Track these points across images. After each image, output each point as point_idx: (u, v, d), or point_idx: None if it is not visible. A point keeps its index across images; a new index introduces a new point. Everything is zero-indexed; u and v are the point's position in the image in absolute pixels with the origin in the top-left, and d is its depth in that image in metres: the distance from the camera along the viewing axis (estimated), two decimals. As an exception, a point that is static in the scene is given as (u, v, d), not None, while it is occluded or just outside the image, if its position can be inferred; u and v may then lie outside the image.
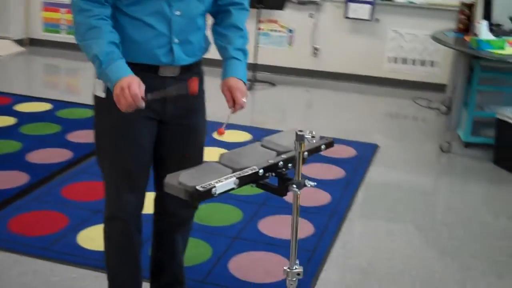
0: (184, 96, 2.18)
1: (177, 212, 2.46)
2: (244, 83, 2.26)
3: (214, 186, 1.78)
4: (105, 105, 2.21)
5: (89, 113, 5.30)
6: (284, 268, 2.06)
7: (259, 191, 2.11)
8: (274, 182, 1.97)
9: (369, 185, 4.23)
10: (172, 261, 2.57)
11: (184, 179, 1.83)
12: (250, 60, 2.35)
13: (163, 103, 2.22)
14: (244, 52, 2.30)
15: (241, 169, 1.90)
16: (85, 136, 4.79)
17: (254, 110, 5.92)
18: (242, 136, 5.03)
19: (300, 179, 1.93)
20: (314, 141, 1.89)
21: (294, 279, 2.04)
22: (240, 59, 2.27)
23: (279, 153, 2.02)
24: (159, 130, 2.30)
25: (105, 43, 2.03)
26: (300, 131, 1.90)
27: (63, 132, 4.93)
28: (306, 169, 4.38)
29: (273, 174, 1.95)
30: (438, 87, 6.54)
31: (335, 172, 4.40)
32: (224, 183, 1.80)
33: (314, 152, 2.04)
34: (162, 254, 2.56)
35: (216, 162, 1.98)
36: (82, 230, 3.40)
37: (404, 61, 6.79)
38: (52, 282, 2.94)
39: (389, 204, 3.98)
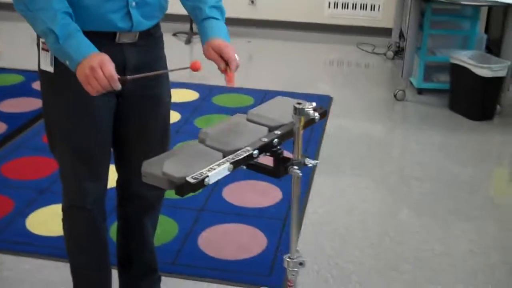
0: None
1: (146, 194, 2.20)
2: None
3: (207, 176, 1.53)
4: (54, 80, 1.92)
5: (21, 78, 4.91)
6: (284, 257, 1.84)
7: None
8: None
9: (329, 140, 4.05)
10: (143, 248, 2.32)
11: (169, 168, 1.57)
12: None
13: (122, 73, 1.92)
14: (221, 9, 2.03)
15: (232, 152, 1.65)
16: (19, 105, 4.39)
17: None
18: (190, 95, 4.73)
19: (300, 157, 1.70)
20: (316, 114, 1.65)
21: (296, 269, 1.82)
22: (218, 18, 1.99)
23: (271, 129, 1.77)
24: (118, 104, 2.01)
25: (58, 14, 1.71)
26: (299, 103, 1.66)
27: (-8, 102, 4.50)
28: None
29: (267, 153, 1.71)
30: (382, 32, 6.38)
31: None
32: (217, 171, 1.55)
33: (308, 125, 1.80)
34: (131, 241, 2.30)
35: (201, 143, 1.72)
36: (30, 213, 3.09)
37: (345, 5, 6.58)
38: (4, 277, 2.64)
39: (354, 160, 3.82)
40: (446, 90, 4.73)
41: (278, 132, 1.74)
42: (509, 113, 4.59)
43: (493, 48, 5.19)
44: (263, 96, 4.69)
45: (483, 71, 4.33)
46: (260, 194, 3.29)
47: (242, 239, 2.93)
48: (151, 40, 2.01)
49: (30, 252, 2.79)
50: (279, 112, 1.84)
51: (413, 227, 3.11)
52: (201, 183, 1.51)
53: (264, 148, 1.68)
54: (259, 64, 5.83)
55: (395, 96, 4.81)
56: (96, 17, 1.82)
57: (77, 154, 1.99)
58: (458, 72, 4.52)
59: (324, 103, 4.65)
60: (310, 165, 1.70)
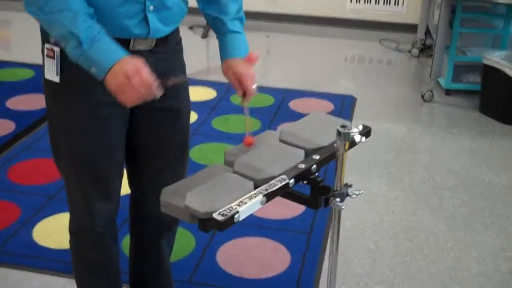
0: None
1: (162, 215, 1.99)
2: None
3: (237, 212, 1.31)
4: (59, 91, 1.71)
5: (31, 73, 4.71)
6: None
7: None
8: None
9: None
10: (159, 272, 2.12)
11: (192, 200, 1.36)
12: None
13: None
14: (242, 20, 1.84)
15: (265, 180, 1.44)
16: (28, 102, 4.19)
17: (210, 60, 5.35)
18: (207, 93, 4.51)
19: (342, 187, 1.48)
20: (363, 139, 1.43)
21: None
22: (240, 31, 1.80)
23: (308, 152, 1.56)
24: (132, 116, 1.80)
25: (80, 15, 1.50)
26: (343, 126, 1.44)
27: (1, 98, 4.29)
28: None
29: (305, 181, 1.50)
30: (406, 28, 6.12)
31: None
32: (249, 205, 1.34)
33: (350, 148, 1.58)
34: (145, 262, 2.11)
35: (227, 169, 1.51)
36: (37, 222, 2.90)
37: (368, 0, 6.32)
38: (9, 295, 2.45)
39: (381, 168, 3.59)
40: (476, 92, 4.50)
41: (316, 157, 1.52)
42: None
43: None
44: (283, 95, 4.48)
45: (518, 73, 4.09)
46: (284, 204, 3.07)
47: (264, 255, 2.73)
48: (169, 46, 1.80)
49: (36, 267, 2.60)
50: (316, 131, 1.63)
51: (447, 243, 2.89)
52: (230, 221, 1.30)
53: (302, 176, 1.47)
54: (278, 60, 5.60)
55: (422, 97, 4.57)
56: (110, 23, 1.61)
57: (86, 173, 1.79)
58: (491, 73, 4.27)
59: (347, 104, 4.43)
60: (354, 196, 1.48)
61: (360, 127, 1.44)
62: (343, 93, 4.63)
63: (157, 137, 1.87)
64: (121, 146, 1.82)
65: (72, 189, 1.84)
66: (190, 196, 1.36)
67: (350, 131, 1.41)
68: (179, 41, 1.86)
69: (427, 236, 2.94)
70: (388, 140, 3.95)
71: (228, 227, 1.32)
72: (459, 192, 3.34)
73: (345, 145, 1.43)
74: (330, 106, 4.36)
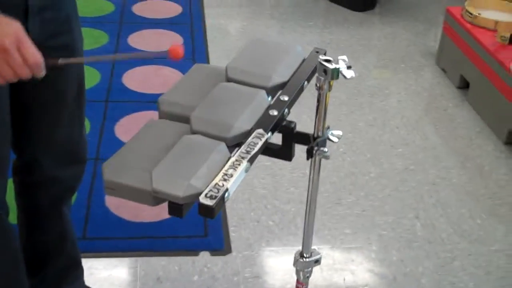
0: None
1: (62, 176, 1.62)
2: None
3: (226, 189, 1.02)
4: None
5: None
6: (295, 256, 1.40)
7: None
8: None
9: (213, 41, 3.52)
10: (64, 242, 1.76)
11: (162, 182, 1.03)
12: None
13: (24, 18, 1.29)
14: None
15: (237, 137, 1.14)
16: None
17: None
18: (103, 6, 3.86)
19: (323, 132, 1.23)
20: (352, 73, 1.17)
21: (310, 268, 1.40)
22: None
23: (268, 91, 1.27)
24: None
25: None
26: (327, 60, 1.16)
27: None
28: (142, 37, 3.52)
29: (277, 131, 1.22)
30: None
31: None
32: (236, 177, 1.05)
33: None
34: (45, 240, 1.73)
35: (175, 125, 1.19)
36: None
37: None
38: None
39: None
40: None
41: (284, 97, 1.23)
42: (389, 1, 4.32)
43: None
44: (123, 1, 3.99)
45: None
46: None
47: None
48: None
49: None
50: (267, 63, 1.33)
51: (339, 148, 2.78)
52: (221, 203, 1.01)
53: (276, 125, 1.19)
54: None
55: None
56: None
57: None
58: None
59: (195, 3, 4.06)
60: (336, 141, 1.24)
61: (345, 58, 1.17)
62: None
63: (49, 84, 1.45)
64: (7, 109, 1.39)
65: None
66: (158, 176, 1.03)
67: (338, 67, 1.14)
68: None
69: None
70: (247, 38, 3.69)
71: (218, 211, 1.02)
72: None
73: (330, 83, 1.16)
74: (178, 8, 3.97)
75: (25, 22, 1.28)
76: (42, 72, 1.13)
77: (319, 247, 2.21)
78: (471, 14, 3.17)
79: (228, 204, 2.38)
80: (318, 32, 3.83)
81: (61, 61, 1.20)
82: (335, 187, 2.55)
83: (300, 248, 1.40)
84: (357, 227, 2.36)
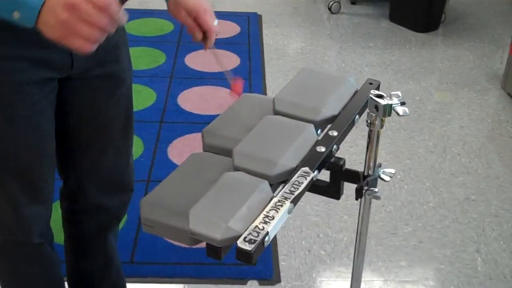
0: None
1: (108, 205, 1.60)
2: None
3: (267, 233, 0.96)
4: None
5: None
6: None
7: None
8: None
9: (269, 64, 3.49)
10: (108, 270, 1.74)
11: (199, 222, 0.98)
12: None
13: (67, 51, 1.25)
14: None
15: (281, 175, 1.08)
16: None
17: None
18: (162, 26, 3.93)
19: (374, 171, 1.16)
20: (406, 110, 1.10)
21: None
22: None
23: (316, 125, 1.21)
24: (61, 90, 1.35)
25: None
26: (379, 95, 1.09)
27: None
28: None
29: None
30: None
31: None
32: (278, 219, 0.98)
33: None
34: (90, 267, 1.71)
35: (215, 160, 1.14)
36: None
37: None
38: None
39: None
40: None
41: (333, 133, 1.17)
42: (453, 21, 4.19)
43: None
44: (183, 19, 3.99)
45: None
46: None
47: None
48: None
49: None
50: (316, 94, 1.27)
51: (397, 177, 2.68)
52: (260, 248, 0.95)
53: (324, 163, 1.12)
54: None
55: (329, 8, 4.26)
56: None
57: (12, 173, 1.34)
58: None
59: (254, 23, 4.04)
60: (388, 180, 1.16)
61: (399, 94, 1.10)
62: (245, 11, 4.22)
63: (94, 112, 1.43)
64: (51, 132, 1.37)
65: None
66: (195, 215, 0.98)
67: (391, 103, 1.07)
68: None
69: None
70: (305, 59, 3.64)
71: (257, 256, 0.96)
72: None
73: (382, 120, 1.09)
74: (236, 28, 3.96)
75: (71, 52, 1.26)
76: (122, 15, 0.98)
77: (372, 280, 2.13)
78: (540, 37, 3.03)
79: (278, 231, 2.32)
80: (378, 53, 3.74)
81: None
82: (391, 216, 2.46)
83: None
84: (413, 260, 2.26)
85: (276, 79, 3.38)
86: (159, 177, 2.47)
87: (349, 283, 1.81)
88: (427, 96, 3.32)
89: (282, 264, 2.21)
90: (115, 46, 1.39)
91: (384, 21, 4.17)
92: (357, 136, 2.78)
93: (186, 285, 2.10)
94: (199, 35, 1.38)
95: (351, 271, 2.16)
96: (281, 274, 2.16)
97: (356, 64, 3.62)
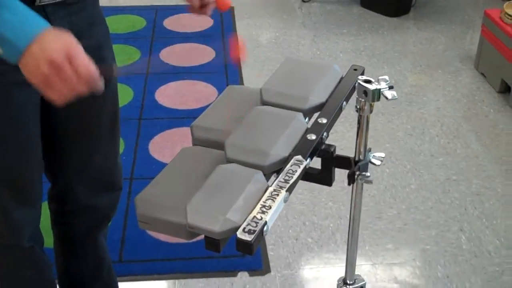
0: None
1: (98, 204, 1.59)
2: None
3: (265, 222, 0.96)
4: None
5: None
6: (338, 283, 1.34)
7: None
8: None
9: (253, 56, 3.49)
10: (100, 269, 1.73)
11: (197, 216, 0.98)
12: None
13: None
14: None
15: (274, 165, 1.09)
16: None
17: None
18: (134, 22, 3.88)
19: (365, 155, 1.17)
20: (394, 94, 1.11)
21: (355, 295, 1.34)
22: None
23: (305, 113, 1.22)
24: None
25: None
26: (367, 80, 1.10)
27: None
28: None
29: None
30: None
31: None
32: (275, 209, 0.99)
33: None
34: (81, 267, 1.70)
35: (207, 153, 1.14)
36: None
37: None
38: None
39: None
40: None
41: (323, 120, 1.18)
42: (424, 5, 4.23)
43: None
44: (154, 15, 3.98)
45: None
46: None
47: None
48: None
49: None
50: (302, 83, 1.28)
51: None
52: (260, 237, 0.95)
53: (315, 150, 1.13)
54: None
55: (300, -3, 4.27)
56: None
57: (2, 176, 1.32)
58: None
59: (227, 15, 4.03)
60: (379, 164, 1.18)
61: (387, 78, 1.11)
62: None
63: (80, 113, 1.42)
64: (38, 134, 1.36)
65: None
66: (192, 209, 0.99)
67: (379, 88, 1.08)
68: None
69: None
70: (280, 49, 3.65)
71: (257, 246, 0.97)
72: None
73: (371, 105, 1.10)
74: (209, 21, 3.94)
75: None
76: (100, 86, 1.04)
77: (361, 264, 2.15)
78: (510, 16, 3.07)
79: (265, 222, 2.33)
80: (351, 40, 3.76)
81: (116, 70, 1.14)
82: (374, 201, 2.48)
83: (341, 269, 1.34)
84: (400, 242, 2.29)
85: (252, 70, 3.38)
86: (142, 174, 2.46)
87: (337, 268, 1.84)
88: (402, 79, 3.35)
89: (270, 254, 2.22)
90: (99, 46, 1.38)
91: (356, 7, 4.19)
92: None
93: (177, 280, 2.10)
94: (196, 1, 1.35)
95: (339, 256, 2.19)
96: (271, 264, 2.17)
97: (331, 51, 3.64)
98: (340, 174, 1.23)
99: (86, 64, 1.00)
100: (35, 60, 0.98)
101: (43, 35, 1.00)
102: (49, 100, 1.03)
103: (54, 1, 1.23)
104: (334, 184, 1.18)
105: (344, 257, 1.35)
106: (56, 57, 0.98)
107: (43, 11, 1.22)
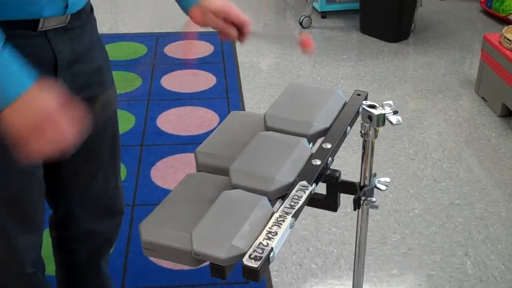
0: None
1: (100, 229, 1.58)
2: None
3: (271, 249, 0.95)
4: None
5: None
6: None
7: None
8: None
9: (248, 88, 3.50)
10: (102, 297, 1.71)
11: (203, 243, 0.97)
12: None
13: (53, 73, 1.26)
14: None
15: (279, 191, 1.08)
16: None
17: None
18: (135, 49, 3.90)
19: (370, 180, 1.16)
20: (399, 119, 1.11)
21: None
22: None
23: (310, 138, 1.21)
24: None
25: None
26: (371, 105, 1.10)
27: None
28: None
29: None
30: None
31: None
32: (281, 235, 0.99)
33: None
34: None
35: (213, 179, 1.14)
36: None
37: None
38: None
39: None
40: (351, 11, 4.33)
41: (327, 145, 1.18)
42: (423, 30, 4.26)
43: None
44: (155, 42, 4.00)
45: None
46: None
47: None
48: (84, 17, 1.34)
49: None
50: (306, 108, 1.28)
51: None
52: (266, 264, 0.94)
53: (320, 176, 1.13)
54: (140, 2, 5.04)
55: (300, 23, 4.30)
56: (13, 3, 1.14)
57: (5, 205, 1.32)
58: (368, -10, 4.08)
59: (227, 44, 4.05)
60: (384, 189, 1.17)
61: (391, 103, 1.11)
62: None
63: (83, 139, 1.42)
64: (40, 161, 1.36)
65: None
66: (198, 236, 0.98)
67: (384, 112, 1.08)
68: (91, 9, 1.41)
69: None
70: (281, 75, 3.66)
71: (264, 272, 0.96)
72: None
73: (376, 130, 1.10)
74: (209, 47, 3.96)
75: (55, 76, 1.26)
76: (71, 149, 1.11)
77: (366, 291, 2.13)
78: (510, 40, 3.09)
79: (268, 248, 2.31)
80: (352, 65, 3.77)
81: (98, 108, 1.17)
82: (378, 226, 2.47)
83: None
84: (404, 268, 2.27)
85: (254, 95, 3.39)
86: (145, 201, 2.45)
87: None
88: (403, 104, 3.35)
89: (274, 280, 2.20)
90: (98, 69, 1.38)
91: (356, 33, 4.21)
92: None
93: (179, 308, 2.08)
94: (234, 32, 1.37)
95: (343, 282, 2.17)
96: (274, 291, 2.15)
97: (332, 77, 3.65)
98: (343, 200, 1.22)
99: (67, 126, 1.06)
100: (21, 114, 1.04)
101: (29, 91, 1.05)
102: (23, 153, 1.08)
103: (55, 26, 1.23)
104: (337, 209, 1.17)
105: (349, 283, 1.33)
106: (43, 118, 1.04)
107: (45, 36, 1.23)
